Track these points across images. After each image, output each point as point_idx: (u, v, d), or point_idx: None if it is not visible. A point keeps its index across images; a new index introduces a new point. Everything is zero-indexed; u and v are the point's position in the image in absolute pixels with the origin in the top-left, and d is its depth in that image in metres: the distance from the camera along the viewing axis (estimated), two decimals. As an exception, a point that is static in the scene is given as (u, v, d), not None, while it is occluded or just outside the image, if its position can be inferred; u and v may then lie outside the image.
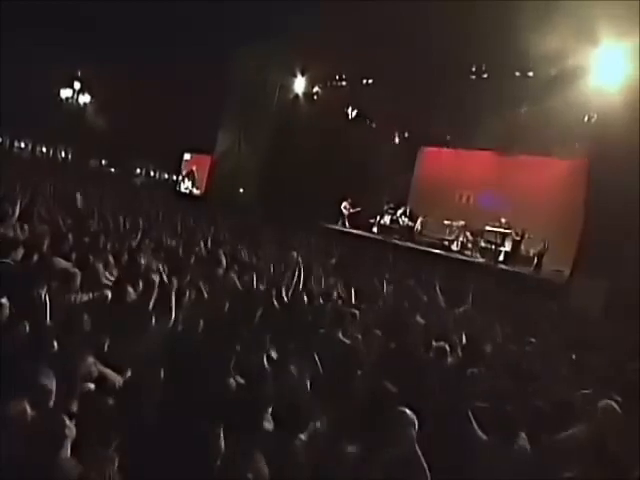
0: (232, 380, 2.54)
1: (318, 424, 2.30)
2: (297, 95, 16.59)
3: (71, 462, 1.87)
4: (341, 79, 15.56)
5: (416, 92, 14.32)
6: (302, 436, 2.16)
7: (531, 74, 11.80)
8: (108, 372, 2.73)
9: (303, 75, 16.29)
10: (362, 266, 8.34)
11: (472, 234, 14.97)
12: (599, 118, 11.69)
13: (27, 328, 2.85)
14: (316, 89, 16.47)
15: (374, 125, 18.22)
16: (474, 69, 12.55)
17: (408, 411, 2.40)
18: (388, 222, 17.14)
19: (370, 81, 14.83)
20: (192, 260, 5.37)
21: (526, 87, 12.14)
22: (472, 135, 16.74)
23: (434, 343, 4.01)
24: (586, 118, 12.71)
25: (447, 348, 3.86)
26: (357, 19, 13.50)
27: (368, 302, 5.30)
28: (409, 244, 15.15)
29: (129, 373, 2.75)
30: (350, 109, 17.12)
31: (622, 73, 9.96)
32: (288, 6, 17.48)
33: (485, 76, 12.52)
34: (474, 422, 2.71)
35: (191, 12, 24.49)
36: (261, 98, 17.15)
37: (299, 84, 16.46)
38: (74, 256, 4.25)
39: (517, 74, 12.03)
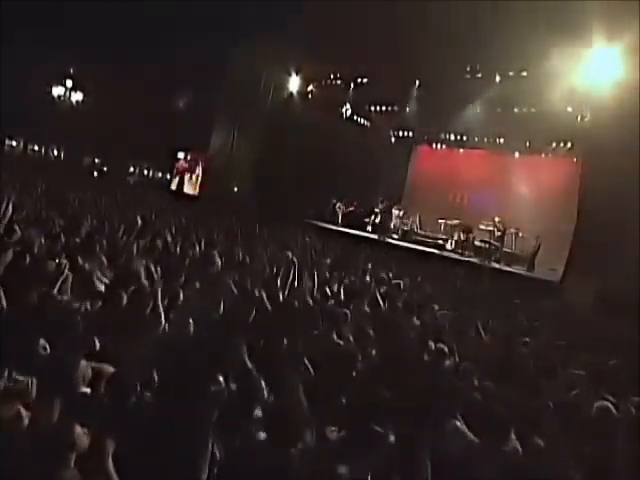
0: (224, 383, 2.52)
1: (312, 429, 2.29)
2: (291, 94, 16.56)
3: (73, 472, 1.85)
4: (336, 78, 15.55)
5: (410, 91, 14.36)
6: (297, 443, 2.14)
7: (525, 74, 11.85)
8: (104, 367, 2.71)
9: (297, 74, 16.26)
10: (356, 266, 8.33)
11: (466, 233, 15.01)
12: (592, 118, 11.77)
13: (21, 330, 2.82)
14: (310, 88, 16.45)
15: (369, 124, 18.23)
16: (468, 69, 12.58)
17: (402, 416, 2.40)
18: (382, 221, 17.16)
19: (365, 80, 14.83)
20: (186, 261, 5.34)
21: (519, 87, 12.19)
22: (466, 134, 16.83)
23: (429, 344, 4.02)
24: (579, 118, 12.79)
25: (442, 349, 3.86)
26: (351, 18, 13.49)
27: (362, 302, 5.28)
28: (403, 243, 15.18)
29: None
30: (345, 108, 17.12)
31: (615, 73, 10.02)
32: (283, 5, 17.42)
33: (479, 76, 12.56)
34: (465, 424, 2.71)
35: (185, 11, 24.35)
36: (255, 97, 17.10)
37: (293, 83, 16.43)
38: (66, 257, 4.21)
39: (511, 74, 12.08)
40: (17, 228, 4.69)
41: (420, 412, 2.61)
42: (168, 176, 26.73)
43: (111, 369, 2.69)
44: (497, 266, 13.24)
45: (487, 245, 14.39)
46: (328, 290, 5.48)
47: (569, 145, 14.87)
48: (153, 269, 4.40)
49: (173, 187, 22.87)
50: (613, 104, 9.78)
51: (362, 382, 3.07)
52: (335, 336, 3.89)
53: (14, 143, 30.63)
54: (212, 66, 20.18)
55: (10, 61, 21.84)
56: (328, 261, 8.08)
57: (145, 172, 35.95)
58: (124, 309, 3.49)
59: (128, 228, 6.02)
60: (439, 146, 18.53)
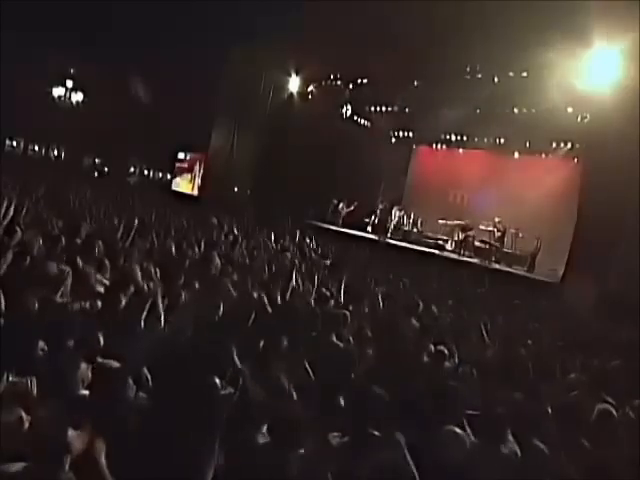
0: (224, 386, 2.52)
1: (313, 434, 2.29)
2: (291, 94, 16.55)
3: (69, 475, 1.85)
4: (336, 78, 15.54)
5: (410, 92, 14.35)
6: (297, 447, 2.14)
7: (525, 74, 11.84)
8: (108, 363, 2.71)
9: (297, 74, 16.25)
10: (357, 267, 8.33)
11: (466, 233, 14.99)
12: (592, 118, 11.75)
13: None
14: (310, 88, 16.44)
15: (369, 124, 18.22)
16: (468, 69, 12.57)
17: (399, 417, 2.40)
18: (382, 221, 17.15)
19: (365, 80, 14.82)
20: (186, 262, 5.33)
21: (519, 87, 12.18)
22: (466, 135, 16.83)
23: (429, 346, 4.01)
24: (579, 118, 12.78)
25: (442, 350, 3.86)
26: (352, 19, 13.49)
27: (362, 304, 5.28)
28: (403, 244, 15.18)
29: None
30: (345, 108, 17.11)
31: (615, 73, 10.01)
32: (283, 5, 17.44)
33: (479, 76, 12.54)
34: (464, 426, 2.70)
35: (185, 11, 24.35)
36: (255, 97, 17.09)
37: (293, 83, 16.42)
38: (66, 259, 4.20)
39: (511, 74, 12.06)
40: (17, 229, 4.69)
41: (419, 414, 2.61)
42: (168, 176, 26.78)
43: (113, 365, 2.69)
44: (497, 267, 13.24)
45: (487, 245, 14.39)
46: (328, 291, 5.47)
47: (569, 145, 14.86)
48: (153, 270, 4.41)
49: (173, 187, 22.91)
50: (613, 104, 9.76)
51: (362, 384, 3.07)
52: (334, 338, 3.89)
53: (14, 144, 30.62)
54: (212, 66, 20.17)
55: (10, 61, 21.83)
56: (328, 262, 8.08)
57: (145, 172, 35.94)
58: (123, 311, 3.49)
59: (128, 229, 6.02)
60: (439, 146, 18.51)
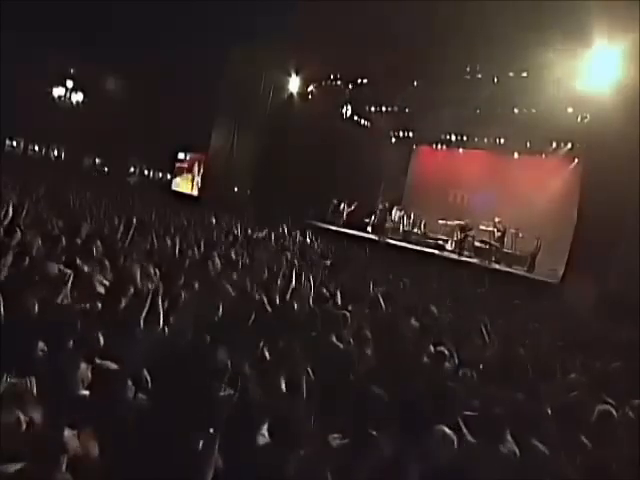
0: (223, 387, 2.52)
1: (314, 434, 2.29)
2: (291, 94, 16.54)
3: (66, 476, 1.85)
4: (336, 78, 15.53)
5: (410, 92, 14.35)
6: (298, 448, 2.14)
7: (525, 74, 11.83)
8: (107, 364, 2.71)
9: (297, 74, 16.24)
10: (357, 267, 8.33)
11: (466, 233, 14.98)
12: (592, 118, 11.75)
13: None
14: (310, 88, 16.43)
15: (369, 124, 18.22)
16: (468, 69, 12.56)
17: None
18: (382, 222, 17.15)
19: (365, 80, 14.82)
20: (186, 262, 5.34)
21: (519, 87, 12.18)
22: (466, 135, 16.82)
23: (428, 346, 4.01)
24: (579, 118, 12.78)
25: (442, 351, 3.86)
26: (352, 19, 13.48)
27: (362, 304, 5.28)
28: (403, 244, 15.17)
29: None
30: (345, 108, 17.11)
31: (615, 73, 10.00)
32: (283, 5, 17.44)
33: (479, 76, 12.54)
34: (464, 427, 2.70)
35: (185, 11, 24.35)
36: (255, 97, 17.09)
37: (293, 83, 16.42)
38: (66, 260, 4.20)
39: (511, 74, 12.06)
40: (17, 230, 4.69)
41: (419, 415, 2.61)
42: (168, 176, 26.78)
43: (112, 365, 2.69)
44: (497, 267, 13.24)
45: (487, 245, 14.38)
46: (328, 292, 5.47)
47: (569, 146, 14.86)
48: (152, 271, 4.41)
49: (173, 187, 22.92)
50: (613, 104, 9.75)
51: (361, 384, 3.07)
52: (334, 338, 3.89)
53: (14, 144, 30.60)
54: (212, 66, 20.17)
55: (10, 61, 21.82)
56: (328, 262, 8.08)
57: (145, 172, 35.93)
58: (123, 311, 3.49)
59: (128, 229, 6.02)
60: (439, 146, 18.51)
